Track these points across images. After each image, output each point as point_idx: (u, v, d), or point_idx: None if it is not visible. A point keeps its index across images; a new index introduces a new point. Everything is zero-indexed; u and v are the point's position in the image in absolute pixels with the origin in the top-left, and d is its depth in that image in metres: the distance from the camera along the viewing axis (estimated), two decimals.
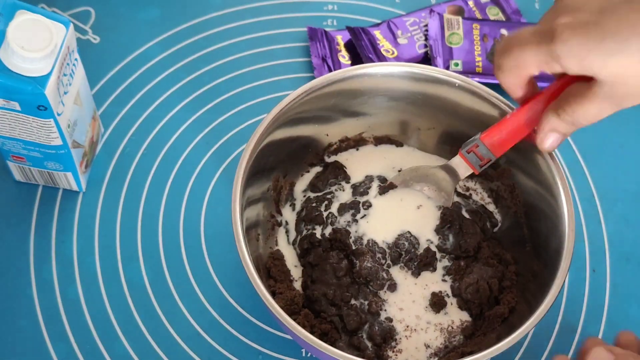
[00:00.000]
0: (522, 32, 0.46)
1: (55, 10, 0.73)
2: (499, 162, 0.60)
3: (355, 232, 0.60)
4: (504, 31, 0.73)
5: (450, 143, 0.62)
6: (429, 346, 0.57)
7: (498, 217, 0.61)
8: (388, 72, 0.58)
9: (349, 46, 0.73)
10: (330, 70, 0.71)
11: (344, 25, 0.75)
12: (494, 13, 0.76)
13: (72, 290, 0.62)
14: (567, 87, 0.48)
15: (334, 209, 0.61)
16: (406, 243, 0.59)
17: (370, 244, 0.59)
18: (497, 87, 0.69)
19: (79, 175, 0.64)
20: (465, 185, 0.62)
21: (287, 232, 0.61)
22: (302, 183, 0.63)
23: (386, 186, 0.61)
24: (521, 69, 0.47)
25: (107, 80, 0.71)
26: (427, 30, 0.73)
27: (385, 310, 0.58)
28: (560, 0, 0.45)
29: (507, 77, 0.49)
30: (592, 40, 0.42)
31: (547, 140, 0.50)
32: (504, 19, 0.76)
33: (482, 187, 0.62)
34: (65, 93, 0.57)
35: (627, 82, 0.43)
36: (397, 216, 0.60)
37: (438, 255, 0.59)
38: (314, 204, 0.61)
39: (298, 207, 0.62)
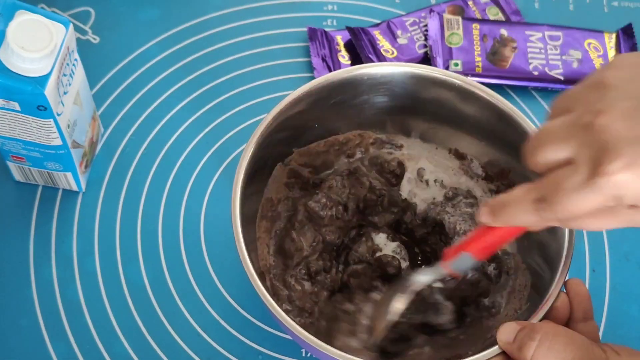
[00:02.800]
0: (562, 176, 0.41)
1: (55, 10, 0.73)
2: (499, 163, 0.60)
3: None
4: (503, 31, 0.73)
5: (450, 142, 0.62)
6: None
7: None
8: (388, 72, 0.58)
9: (349, 46, 0.73)
10: (330, 70, 0.71)
11: (344, 25, 0.75)
12: (493, 13, 0.76)
13: (72, 290, 0.62)
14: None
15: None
16: None
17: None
18: (496, 87, 0.70)
19: (78, 175, 0.64)
20: (466, 185, 0.62)
21: None
22: None
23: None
24: (579, 216, 0.42)
25: (107, 80, 0.71)
26: (426, 30, 0.73)
27: None
28: (603, 132, 0.39)
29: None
30: None
31: None
32: (503, 19, 0.76)
33: (481, 189, 0.62)
34: (65, 93, 0.57)
35: None
36: None
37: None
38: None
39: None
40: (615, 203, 0.40)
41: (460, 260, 0.50)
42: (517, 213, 0.44)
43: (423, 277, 0.53)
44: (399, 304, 0.54)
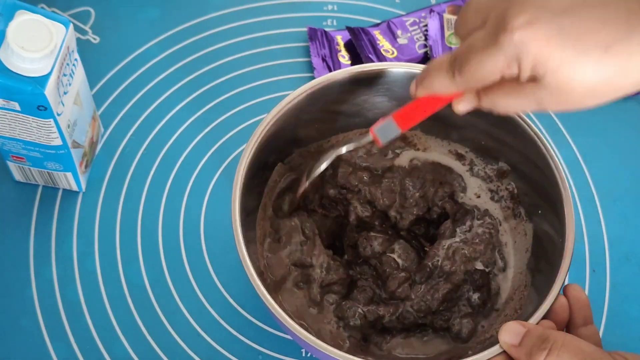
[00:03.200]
0: (473, 40, 0.43)
1: (55, 10, 0.73)
2: (498, 164, 0.60)
3: None
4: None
5: (450, 141, 0.62)
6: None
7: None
8: (388, 72, 0.58)
9: (349, 46, 0.73)
10: (330, 70, 0.71)
11: (344, 25, 0.75)
12: None
13: (72, 290, 0.62)
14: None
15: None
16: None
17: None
18: None
19: (78, 175, 0.64)
20: (463, 183, 0.62)
21: None
22: None
23: None
24: (485, 80, 0.43)
25: (107, 80, 0.71)
26: (427, 30, 0.73)
27: None
28: None
29: (465, 87, 0.45)
30: (553, 46, 0.40)
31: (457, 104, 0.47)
32: None
33: (482, 189, 0.62)
34: (65, 93, 0.57)
35: (570, 92, 0.41)
36: None
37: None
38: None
39: None
40: (516, 68, 0.41)
41: (384, 127, 0.52)
42: (434, 79, 0.46)
43: (350, 144, 0.55)
44: (322, 165, 0.56)
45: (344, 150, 0.56)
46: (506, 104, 0.44)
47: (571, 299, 0.51)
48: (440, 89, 0.46)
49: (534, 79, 0.41)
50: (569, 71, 0.40)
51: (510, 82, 0.43)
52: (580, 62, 0.39)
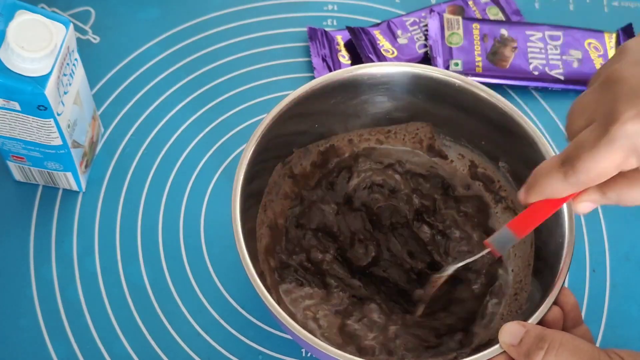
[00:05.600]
0: (582, 138, 0.42)
1: (55, 10, 0.73)
2: (498, 164, 0.60)
3: None
4: (503, 31, 0.73)
5: (450, 141, 0.62)
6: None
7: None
8: (388, 72, 0.58)
9: (349, 46, 0.73)
10: (330, 70, 0.71)
11: (344, 25, 0.75)
12: (494, 13, 0.76)
13: (72, 290, 0.62)
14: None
15: None
16: None
17: None
18: (496, 87, 0.70)
19: (79, 175, 0.64)
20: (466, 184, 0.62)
21: None
22: None
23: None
24: (602, 176, 0.42)
25: (107, 80, 0.71)
26: (427, 30, 0.73)
27: None
28: (616, 85, 0.41)
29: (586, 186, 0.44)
30: None
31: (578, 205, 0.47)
32: (504, 19, 0.76)
33: (484, 189, 0.62)
34: (65, 93, 0.57)
35: None
36: None
37: None
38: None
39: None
40: (634, 160, 0.40)
41: (501, 236, 0.50)
42: (546, 183, 0.44)
43: (467, 260, 0.54)
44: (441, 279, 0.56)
45: (460, 264, 0.55)
46: (633, 197, 0.43)
47: (561, 303, 0.52)
48: (554, 193, 0.45)
49: None
50: None
51: (632, 173, 0.42)
52: None
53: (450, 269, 0.56)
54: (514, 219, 0.50)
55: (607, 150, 0.40)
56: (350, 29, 0.73)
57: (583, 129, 0.42)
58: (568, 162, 0.43)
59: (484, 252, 0.53)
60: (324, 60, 0.72)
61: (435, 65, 0.71)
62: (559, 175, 0.43)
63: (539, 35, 0.73)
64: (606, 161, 0.41)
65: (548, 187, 0.45)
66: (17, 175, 0.65)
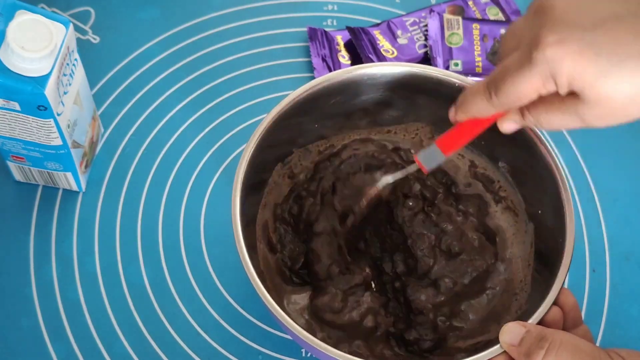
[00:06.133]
0: (508, 62, 0.43)
1: (55, 10, 0.73)
2: (498, 164, 0.60)
3: None
4: (503, 31, 0.73)
5: None
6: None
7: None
8: (388, 72, 0.58)
9: (349, 46, 0.73)
10: (330, 70, 0.71)
11: (344, 25, 0.75)
12: (494, 13, 0.76)
13: (72, 290, 0.62)
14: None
15: None
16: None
17: None
18: None
19: (78, 175, 0.64)
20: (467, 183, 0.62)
21: None
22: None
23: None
24: (522, 99, 0.44)
25: (107, 80, 0.71)
26: (427, 30, 0.73)
27: None
28: (544, 13, 0.42)
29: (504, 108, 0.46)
30: (586, 60, 0.40)
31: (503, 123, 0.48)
32: (504, 19, 0.76)
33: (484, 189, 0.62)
34: (65, 93, 0.57)
35: (611, 104, 0.41)
36: None
37: None
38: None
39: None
40: (552, 85, 0.41)
41: (429, 152, 0.52)
42: (473, 102, 0.46)
43: (396, 173, 0.56)
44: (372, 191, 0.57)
45: (390, 180, 0.56)
46: (549, 121, 0.45)
47: (560, 303, 0.52)
48: (479, 111, 0.47)
49: (573, 95, 0.42)
50: (607, 83, 0.40)
51: (551, 98, 0.43)
52: (616, 73, 0.40)
53: (384, 181, 0.56)
54: (442, 136, 0.51)
55: (527, 74, 0.42)
56: (350, 29, 0.73)
57: (511, 52, 0.44)
58: (492, 84, 0.44)
59: (414, 169, 0.54)
60: (324, 60, 0.72)
61: (435, 65, 0.71)
62: (484, 96, 0.45)
63: None
64: (526, 84, 0.42)
65: (474, 106, 0.47)
66: (17, 175, 0.65)
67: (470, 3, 0.76)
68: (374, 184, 0.58)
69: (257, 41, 0.74)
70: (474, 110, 0.47)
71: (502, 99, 0.44)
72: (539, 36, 0.41)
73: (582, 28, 0.40)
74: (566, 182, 0.54)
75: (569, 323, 0.52)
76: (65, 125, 0.59)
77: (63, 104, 0.57)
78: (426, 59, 0.73)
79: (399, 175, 0.56)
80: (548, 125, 0.45)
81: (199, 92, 0.71)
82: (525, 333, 0.48)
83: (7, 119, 0.57)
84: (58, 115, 0.57)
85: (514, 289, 0.57)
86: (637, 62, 0.39)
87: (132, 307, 0.62)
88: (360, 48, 0.72)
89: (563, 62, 0.40)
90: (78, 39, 0.71)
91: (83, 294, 0.62)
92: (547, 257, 0.55)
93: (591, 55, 0.40)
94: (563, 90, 0.42)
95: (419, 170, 0.54)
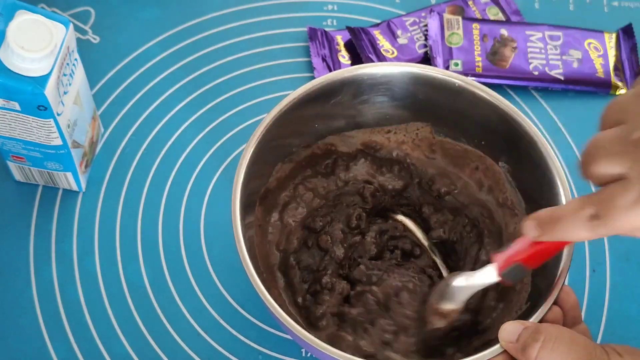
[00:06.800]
0: (614, 191, 0.41)
1: (55, 10, 0.73)
2: (498, 164, 0.60)
3: None
4: (503, 31, 0.73)
5: (450, 141, 0.62)
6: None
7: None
8: (388, 72, 0.58)
9: (349, 46, 0.73)
10: (330, 70, 0.71)
11: (344, 25, 0.75)
12: (494, 13, 0.76)
13: (72, 290, 0.62)
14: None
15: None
16: None
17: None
18: (496, 87, 0.70)
19: (78, 175, 0.64)
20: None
21: None
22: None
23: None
24: (630, 229, 0.42)
25: (107, 80, 0.71)
26: (427, 30, 0.73)
27: None
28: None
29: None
30: None
31: None
32: (504, 19, 0.76)
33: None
34: (65, 93, 0.57)
35: None
36: None
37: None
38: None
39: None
40: None
41: (512, 270, 0.50)
42: (569, 229, 0.44)
43: (473, 281, 0.53)
44: (450, 305, 0.54)
45: (471, 289, 0.54)
46: None
47: (561, 302, 0.52)
48: (576, 238, 0.45)
49: None
50: None
51: None
52: None
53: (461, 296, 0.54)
54: (521, 254, 0.49)
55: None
56: (350, 29, 0.73)
57: (610, 177, 0.42)
58: (599, 217, 0.42)
59: (494, 282, 0.52)
60: (324, 60, 0.72)
61: (435, 65, 0.71)
62: (586, 227, 0.43)
63: (539, 35, 0.73)
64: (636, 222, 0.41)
65: (570, 233, 0.44)
66: (17, 175, 0.65)
67: (470, 3, 0.76)
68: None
69: (257, 41, 0.74)
70: (569, 237, 0.45)
71: (609, 230, 0.42)
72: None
73: None
74: (566, 182, 0.54)
75: (568, 322, 0.52)
76: (65, 125, 0.59)
77: (63, 104, 0.57)
78: (426, 59, 0.73)
79: (476, 285, 0.53)
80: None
81: (199, 92, 0.71)
82: (522, 330, 0.48)
83: (7, 119, 0.57)
84: (58, 115, 0.57)
85: (513, 289, 0.57)
86: None
87: (132, 307, 0.62)
88: (360, 48, 0.72)
89: None
90: (78, 39, 0.71)
91: (83, 294, 0.62)
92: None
93: None
94: None
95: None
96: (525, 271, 0.50)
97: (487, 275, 0.51)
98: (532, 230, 0.47)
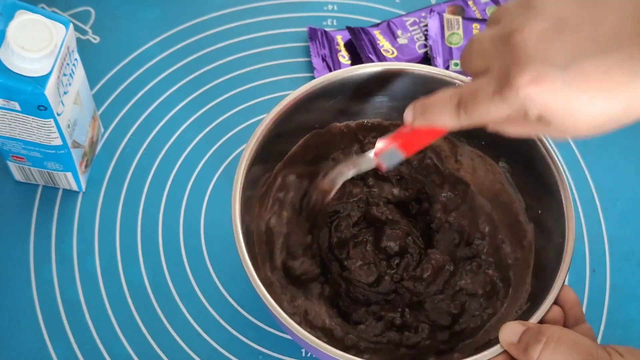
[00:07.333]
0: (478, 85, 0.44)
1: (55, 10, 0.73)
2: (498, 164, 0.60)
3: None
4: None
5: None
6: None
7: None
8: (388, 72, 0.58)
9: (349, 46, 0.73)
10: (330, 70, 0.71)
11: (344, 25, 0.75)
12: None
13: (72, 290, 0.62)
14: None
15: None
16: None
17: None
18: None
19: (78, 175, 0.64)
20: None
21: None
22: None
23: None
24: (490, 121, 0.46)
25: (107, 80, 0.71)
26: (427, 30, 0.73)
27: None
28: (516, 47, 0.42)
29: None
30: (558, 100, 0.41)
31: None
32: None
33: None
34: (65, 93, 0.57)
35: (578, 129, 0.42)
36: None
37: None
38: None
39: None
40: (523, 113, 0.42)
41: (389, 154, 0.52)
42: (438, 115, 0.47)
43: (354, 169, 0.55)
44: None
45: (350, 175, 0.55)
46: (512, 132, 0.46)
47: (561, 301, 0.52)
48: (443, 124, 0.47)
49: (540, 119, 0.43)
50: (576, 117, 0.41)
51: (516, 116, 0.44)
52: (587, 110, 0.41)
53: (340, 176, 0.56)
54: (400, 136, 0.51)
55: (499, 104, 0.43)
56: (350, 29, 0.73)
57: (479, 71, 0.45)
58: (463, 104, 0.45)
59: (372, 165, 0.53)
60: (324, 60, 0.72)
61: (435, 65, 0.71)
62: (452, 113, 0.46)
63: None
64: (496, 112, 0.44)
65: (439, 119, 0.47)
66: (17, 175, 0.65)
67: (470, 3, 0.76)
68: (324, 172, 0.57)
69: (257, 41, 0.74)
70: (438, 123, 0.47)
71: (471, 119, 0.45)
72: (512, 72, 0.42)
73: (555, 66, 0.41)
74: (566, 182, 0.54)
75: (570, 321, 0.52)
76: (65, 125, 0.59)
77: (63, 104, 0.57)
78: (426, 59, 0.73)
79: (355, 172, 0.55)
80: (510, 134, 0.47)
81: (199, 92, 0.71)
82: (524, 330, 0.48)
83: (7, 119, 0.57)
84: (58, 115, 0.57)
85: (514, 289, 0.58)
86: (606, 97, 0.41)
87: (132, 307, 0.62)
88: (360, 48, 0.72)
89: (536, 101, 0.41)
90: (78, 39, 0.71)
91: (83, 294, 0.62)
92: (547, 257, 0.55)
93: (564, 94, 0.41)
94: (532, 119, 0.43)
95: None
96: (400, 156, 0.51)
97: (367, 157, 0.53)
98: (407, 115, 0.49)
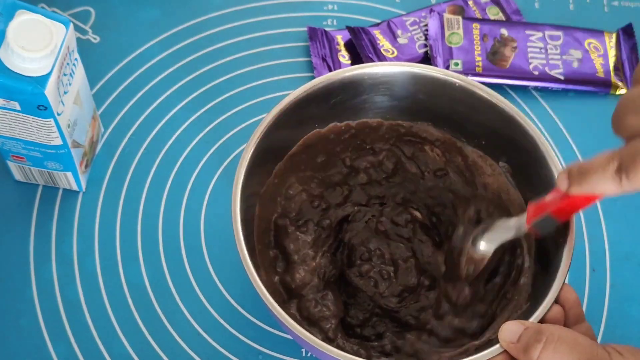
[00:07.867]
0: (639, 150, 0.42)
1: (55, 10, 0.73)
2: (498, 164, 0.60)
3: None
4: (504, 31, 0.73)
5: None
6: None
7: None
8: (388, 71, 0.58)
9: (349, 46, 0.73)
10: (330, 70, 0.71)
11: (344, 25, 0.75)
12: (494, 13, 0.76)
13: (72, 290, 0.62)
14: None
15: None
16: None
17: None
18: (496, 87, 0.70)
19: (79, 175, 0.64)
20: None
21: None
22: None
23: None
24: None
25: (107, 80, 0.71)
26: (427, 30, 0.73)
27: None
28: None
29: None
30: None
31: None
32: (504, 19, 0.76)
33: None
34: (65, 93, 0.57)
35: None
36: None
37: None
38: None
39: None
40: None
41: (542, 221, 0.51)
42: (597, 182, 0.45)
43: (506, 226, 0.54)
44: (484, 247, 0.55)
45: (498, 244, 0.55)
46: None
47: (561, 300, 0.52)
48: (603, 192, 0.45)
49: None
50: None
51: None
52: None
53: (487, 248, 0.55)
54: (552, 205, 0.50)
55: None
56: (350, 29, 0.73)
57: (636, 132, 0.42)
58: (624, 169, 0.43)
59: (524, 232, 0.53)
60: (324, 60, 0.72)
61: (435, 65, 0.71)
62: (613, 179, 0.44)
63: (539, 35, 0.73)
64: None
65: (598, 186, 0.45)
66: (17, 175, 0.65)
67: (470, 3, 0.76)
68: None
69: (257, 41, 0.74)
70: (597, 190, 0.45)
71: (634, 185, 0.43)
72: None
73: None
74: None
75: (570, 320, 0.52)
76: (65, 125, 0.59)
77: (63, 104, 0.57)
78: (426, 59, 0.73)
79: (505, 238, 0.54)
80: None
81: (199, 92, 0.71)
82: (523, 330, 0.48)
83: (7, 118, 0.57)
84: (58, 115, 0.57)
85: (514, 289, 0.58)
86: None
87: (132, 307, 0.62)
88: (360, 48, 0.72)
89: None
90: (78, 39, 0.71)
91: (83, 294, 0.62)
92: (547, 257, 0.55)
93: None
94: None
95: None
96: (555, 223, 0.50)
97: (519, 224, 0.52)
98: (563, 182, 0.47)
